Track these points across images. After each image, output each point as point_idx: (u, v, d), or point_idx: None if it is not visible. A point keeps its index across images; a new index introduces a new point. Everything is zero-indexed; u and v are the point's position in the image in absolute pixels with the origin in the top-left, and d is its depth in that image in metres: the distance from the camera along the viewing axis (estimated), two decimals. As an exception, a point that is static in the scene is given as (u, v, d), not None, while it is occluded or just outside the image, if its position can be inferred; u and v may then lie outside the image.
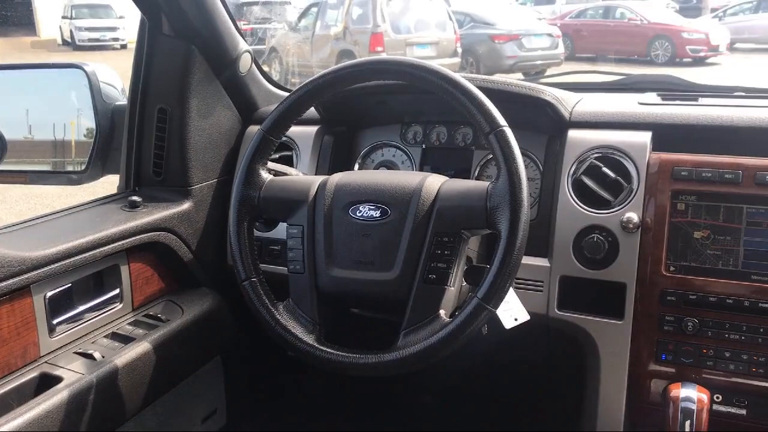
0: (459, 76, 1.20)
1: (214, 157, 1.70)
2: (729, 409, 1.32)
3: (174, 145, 1.61)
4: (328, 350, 1.20)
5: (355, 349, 1.19)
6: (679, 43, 14.10)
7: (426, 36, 11.28)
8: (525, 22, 13.11)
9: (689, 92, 1.68)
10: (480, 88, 1.19)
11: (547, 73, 11.22)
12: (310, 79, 1.31)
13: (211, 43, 1.61)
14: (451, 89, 1.19)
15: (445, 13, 11.74)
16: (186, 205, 1.62)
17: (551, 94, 1.49)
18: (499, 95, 1.24)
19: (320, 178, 1.33)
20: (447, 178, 1.27)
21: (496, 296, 1.12)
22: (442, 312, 1.18)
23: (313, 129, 1.70)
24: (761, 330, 1.27)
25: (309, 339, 1.22)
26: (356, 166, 1.74)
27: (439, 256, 1.19)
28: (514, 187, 1.12)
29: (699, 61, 13.84)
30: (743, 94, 1.66)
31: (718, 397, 1.31)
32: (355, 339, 1.25)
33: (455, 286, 1.21)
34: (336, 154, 1.71)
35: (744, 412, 1.32)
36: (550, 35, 12.54)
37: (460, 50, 11.30)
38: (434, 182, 1.24)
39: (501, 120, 1.16)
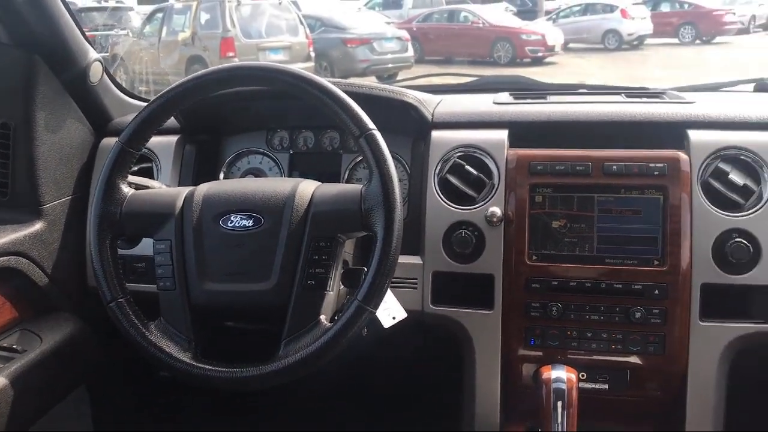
0: (326, 81, 1.20)
1: (66, 174, 1.59)
2: (593, 386, 1.42)
3: (20, 162, 1.49)
4: (206, 367, 1.16)
5: (235, 363, 1.16)
6: (519, 45, 14.96)
7: (278, 41, 11.21)
8: (375, 26, 13.38)
9: (538, 91, 1.78)
10: (346, 92, 1.20)
11: (399, 76, 11.50)
12: (171, 86, 1.26)
13: (57, 52, 1.50)
14: (318, 94, 1.20)
15: (296, 17, 11.72)
16: (38, 226, 1.51)
17: (414, 96, 1.53)
18: (363, 99, 1.26)
19: (186, 190, 1.29)
20: (319, 183, 1.27)
21: (375, 297, 1.14)
22: (322, 317, 1.18)
23: (173, 139, 1.64)
24: (617, 309, 1.37)
25: (185, 357, 1.18)
26: (221, 176, 1.69)
27: (317, 262, 1.19)
28: (387, 189, 1.14)
29: (538, 61, 14.75)
30: (586, 91, 1.79)
31: (583, 375, 1.41)
32: (235, 353, 1.22)
33: (334, 290, 1.22)
34: (199, 164, 1.66)
35: (606, 386, 1.42)
36: (399, 39, 12.87)
37: (313, 54, 11.33)
38: (307, 188, 1.24)
39: (370, 123, 1.18)
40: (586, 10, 18.62)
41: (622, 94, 1.67)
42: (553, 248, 1.40)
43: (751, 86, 1.83)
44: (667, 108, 1.50)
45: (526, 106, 1.58)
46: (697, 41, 18.21)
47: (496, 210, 1.40)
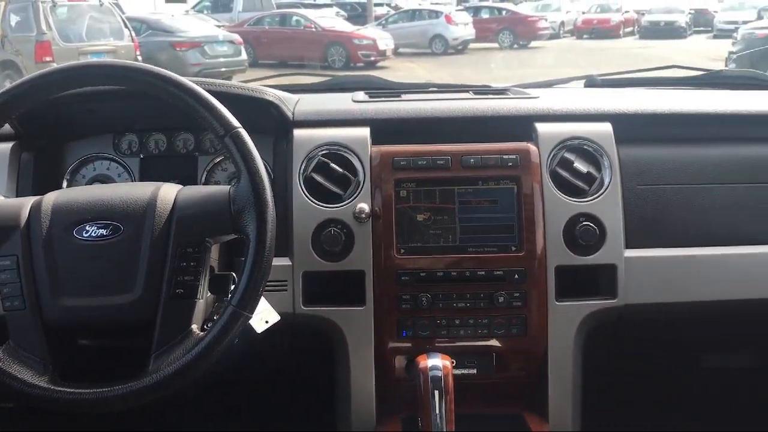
0: (186, 79, 1.15)
1: None
2: (462, 371, 1.47)
3: None
4: (67, 390, 1.07)
5: (101, 382, 1.08)
6: (352, 49, 15.23)
7: (101, 44, 10.62)
8: (204, 29, 13.05)
9: (392, 90, 1.82)
10: (207, 91, 1.16)
11: (233, 80, 11.26)
12: (6, 88, 1.15)
13: None
14: (178, 92, 1.14)
15: (119, 20, 11.14)
16: None
17: (274, 94, 1.51)
18: (221, 97, 1.21)
19: (32, 200, 1.17)
20: (181, 186, 1.21)
21: (251, 301, 1.11)
22: (194, 326, 1.13)
23: (6, 146, 1.49)
24: (482, 295, 1.43)
25: (41, 382, 1.08)
26: (65, 184, 1.56)
27: (185, 269, 1.13)
28: (257, 188, 1.11)
29: (371, 65, 15.09)
30: (436, 89, 1.85)
31: (453, 362, 1.45)
32: (100, 372, 1.13)
33: (204, 297, 1.17)
34: (38, 173, 1.52)
35: (475, 371, 1.48)
36: (232, 42, 12.64)
37: (140, 58, 10.81)
38: (169, 191, 1.17)
39: (235, 121, 1.14)
40: (414, 15, 19.36)
41: (470, 92, 1.75)
42: (420, 241, 1.44)
43: (581, 83, 1.98)
44: (515, 103, 1.59)
45: (384, 103, 1.61)
46: (515, 45, 19.54)
47: (364, 206, 1.41)
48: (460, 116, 1.55)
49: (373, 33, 16.28)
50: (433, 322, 1.44)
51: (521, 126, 1.54)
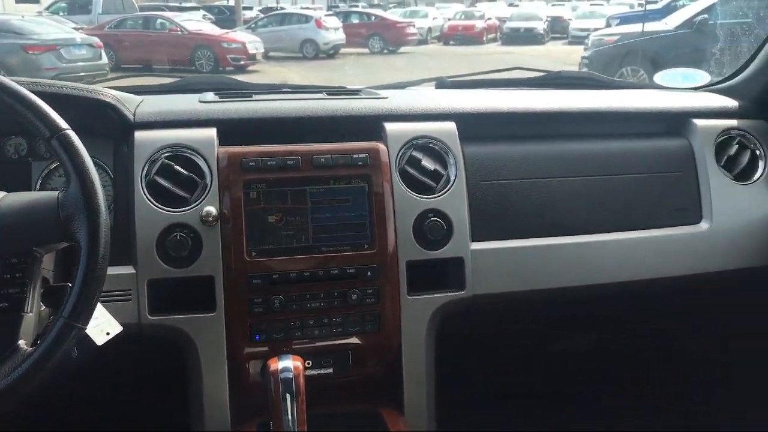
0: (7, 79, 1.07)
1: None
2: (319, 372, 1.46)
3: None
4: None
5: None
6: (220, 53, 14.89)
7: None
8: (60, 31, 12.32)
9: (244, 90, 1.79)
10: (32, 91, 1.08)
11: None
12: None
13: None
14: None
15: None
16: None
17: (111, 94, 1.44)
18: (51, 98, 1.14)
19: None
20: (5, 192, 1.13)
21: (84, 312, 1.05)
22: (21, 342, 1.05)
23: None
24: (335, 294, 1.43)
25: None
26: None
27: (10, 281, 1.06)
28: (88, 192, 1.05)
29: (240, 69, 14.82)
30: (290, 90, 1.84)
31: (308, 363, 1.44)
32: None
33: (34, 311, 1.09)
34: None
35: (331, 370, 1.47)
36: (91, 45, 12.00)
37: (-14, 62, 10.05)
38: None
39: (62, 123, 1.08)
40: (284, 19, 19.23)
41: (323, 92, 1.75)
42: (272, 243, 1.42)
43: (432, 84, 2.04)
44: (364, 103, 1.61)
45: (232, 104, 1.57)
46: (385, 51, 19.86)
47: (211, 209, 1.37)
48: (309, 116, 1.55)
49: (242, 37, 15.99)
50: (287, 325, 1.42)
51: (371, 126, 1.56)
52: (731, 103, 1.79)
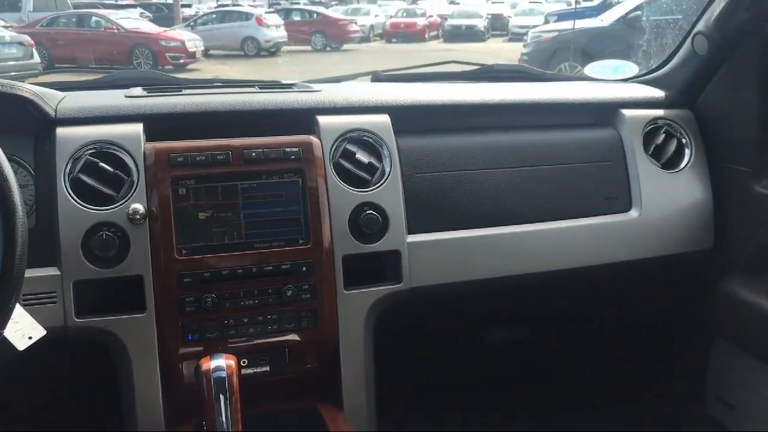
0: None
1: None
2: (255, 370, 1.44)
3: None
4: None
5: None
6: (159, 51, 14.56)
7: None
8: (-13, 30, 11.88)
9: (172, 85, 1.74)
10: None
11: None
12: None
13: None
14: None
15: None
16: None
17: (29, 90, 1.38)
18: None
19: None
20: None
21: (1, 316, 1.00)
22: None
23: None
24: (270, 291, 1.41)
25: None
26: None
27: None
28: (2, 193, 1.00)
29: (180, 68, 14.53)
30: (221, 84, 1.80)
31: (244, 362, 1.42)
32: None
33: None
34: None
35: (267, 368, 1.45)
36: (21, 44, 11.57)
37: None
38: None
39: None
40: (224, 17, 18.95)
41: (256, 86, 1.72)
42: (203, 240, 1.38)
43: (368, 78, 2.03)
44: (296, 96, 1.59)
45: (160, 98, 1.53)
46: (328, 48, 19.78)
47: (139, 207, 1.33)
48: (240, 110, 1.52)
49: (181, 35, 15.66)
50: (220, 323, 1.39)
51: (304, 119, 1.54)
52: (658, 93, 1.84)
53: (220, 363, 1.23)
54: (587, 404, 2.10)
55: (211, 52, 16.78)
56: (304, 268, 1.43)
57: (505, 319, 2.00)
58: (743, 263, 1.73)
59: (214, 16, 19.31)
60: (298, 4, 23.10)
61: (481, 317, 1.92)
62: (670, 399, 2.07)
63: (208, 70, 14.83)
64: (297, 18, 21.03)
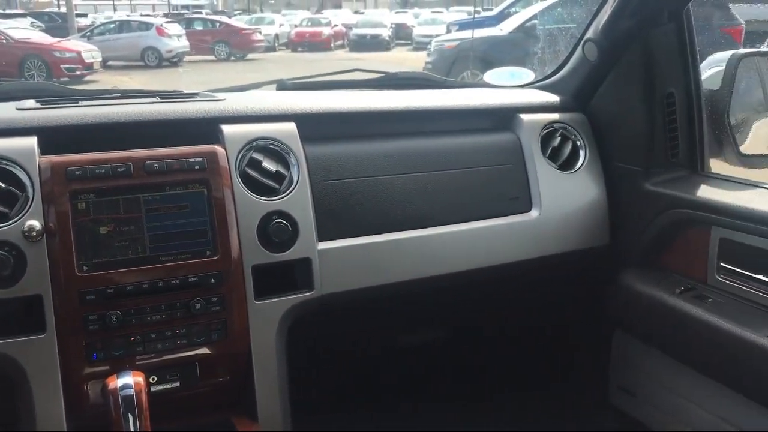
0: None
1: None
2: (165, 386, 1.40)
3: None
4: None
5: None
6: (53, 62, 13.97)
7: None
8: None
9: (68, 96, 1.68)
10: None
11: None
12: None
13: None
14: None
15: None
16: None
17: None
18: None
19: None
20: None
21: None
22: None
23: None
24: (178, 304, 1.38)
25: None
26: None
27: None
28: None
29: (77, 80, 13.96)
30: (120, 95, 1.75)
31: (153, 379, 1.38)
32: None
33: None
34: None
35: (178, 384, 1.42)
36: None
37: None
38: None
39: None
40: (122, 27, 18.41)
41: (156, 96, 1.68)
42: (105, 255, 1.34)
43: (273, 86, 2.02)
44: (199, 105, 1.56)
45: (55, 110, 1.47)
46: (232, 57, 19.52)
47: (35, 223, 1.28)
48: (140, 120, 1.48)
49: (76, 45, 15.07)
50: (126, 340, 1.35)
51: (208, 129, 1.52)
52: (553, 98, 1.92)
53: (128, 381, 1.19)
54: (499, 400, 2.16)
55: (110, 63, 16.26)
56: (213, 280, 1.40)
57: (418, 321, 2.03)
58: (637, 257, 1.83)
59: (112, 26, 18.71)
60: (200, 13, 22.68)
61: (394, 320, 1.94)
62: (577, 390, 2.15)
63: (106, 81, 14.34)
64: (199, 27, 20.67)
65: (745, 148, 1.80)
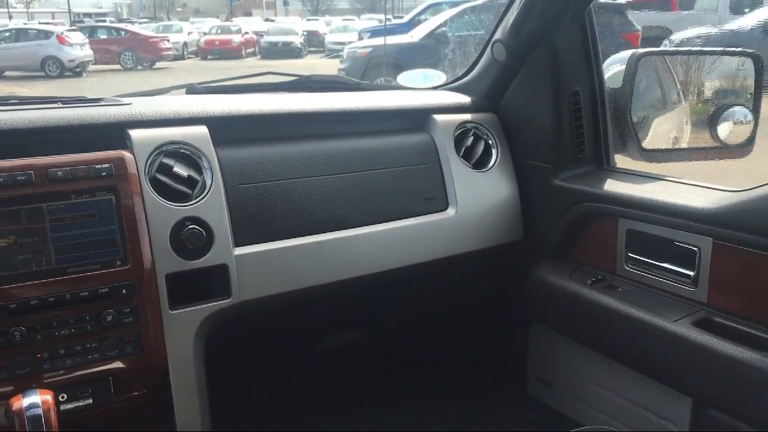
0: None
1: None
2: (76, 404, 1.33)
3: None
4: None
5: None
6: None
7: None
8: None
9: None
10: None
11: None
12: None
13: None
14: None
15: None
16: None
17: None
18: None
19: None
20: None
21: None
22: None
23: None
24: (88, 317, 1.32)
25: None
26: None
27: None
28: None
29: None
30: (18, 101, 1.65)
31: (63, 397, 1.31)
32: None
33: None
34: None
35: (90, 401, 1.35)
36: None
37: None
38: None
39: None
40: (19, 35, 17.58)
41: (59, 102, 1.61)
42: (6, 269, 1.26)
43: (182, 91, 1.97)
44: (105, 110, 1.50)
45: None
46: (140, 66, 18.97)
47: None
48: (41, 126, 1.41)
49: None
50: (32, 358, 1.28)
51: (115, 134, 1.46)
52: (464, 99, 1.96)
53: (34, 400, 1.13)
54: (422, 397, 2.17)
55: (7, 73, 15.49)
56: (124, 291, 1.35)
57: (340, 323, 2.02)
58: (550, 251, 1.88)
59: (8, 34, 17.82)
60: (104, 21, 21.94)
61: (316, 322, 1.92)
62: (498, 384, 2.20)
63: (2, 91, 13.66)
64: (103, 36, 19.98)
65: (647, 143, 1.87)
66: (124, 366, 1.36)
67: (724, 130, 1.88)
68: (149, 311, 1.37)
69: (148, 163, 1.43)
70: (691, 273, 1.53)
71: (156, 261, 1.39)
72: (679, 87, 2.05)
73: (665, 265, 1.59)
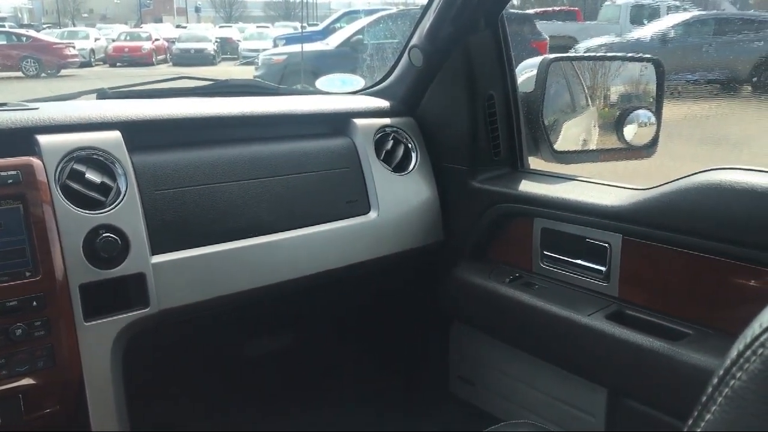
0: None
1: None
2: None
3: None
4: None
5: None
6: None
7: None
8: None
9: None
10: None
11: None
12: None
13: None
14: None
15: None
16: None
17: None
18: None
19: None
20: None
21: None
22: None
23: None
24: (9, 330, 1.25)
25: None
26: None
27: None
28: None
29: None
30: None
31: None
32: None
33: None
34: None
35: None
36: None
37: None
38: None
39: None
40: None
41: None
42: None
43: (93, 96, 1.90)
44: (10, 115, 1.43)
45: None
46: (43, 74, 18.16)
47: None
48: None
49: None
50: None
51: (21, 140, 1.40)
52: (383, 103, 1.98)
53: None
54: (347, 399, 2.17)
55: None
56: (35, 303, 1.29)
57: (264, 329, 2.00)
58: (470, 251, 1.92)
59: None
60: (3, 26, 20.89)
61: (240, 329, 1.89)
62: (420, 384, 2.22)
63: None
64: (3, 42, 19.01)
65: (559, 145, 1.95)
66: (35, 382, 1.30)
67: (629, 132, 1.97)
68: (62, 323, 1.32)
69: (59, 170, 1.38)
70: (603, 268, 1.60)
71: (68, 271, 1.33)
72: (587, 91, 2.14)
73: (579, 261, 1.66)
